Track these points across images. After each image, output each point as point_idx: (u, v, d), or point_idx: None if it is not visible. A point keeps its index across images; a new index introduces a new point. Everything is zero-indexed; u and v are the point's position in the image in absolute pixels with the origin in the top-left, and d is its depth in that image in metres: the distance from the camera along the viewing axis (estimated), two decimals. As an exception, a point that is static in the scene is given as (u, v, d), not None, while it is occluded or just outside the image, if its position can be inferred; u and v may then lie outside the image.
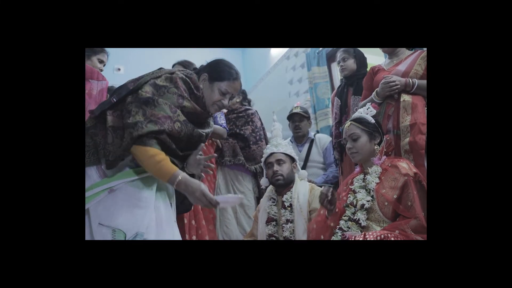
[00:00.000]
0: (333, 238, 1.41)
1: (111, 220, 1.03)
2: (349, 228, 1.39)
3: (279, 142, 1.92)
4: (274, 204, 1.86)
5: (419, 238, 1.19)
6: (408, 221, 1.25)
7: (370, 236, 1.16)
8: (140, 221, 1.05)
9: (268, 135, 2.51)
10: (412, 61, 1.72)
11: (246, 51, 5.11)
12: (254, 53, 4.84)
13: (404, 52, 1.83)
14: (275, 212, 1.83)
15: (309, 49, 3.44)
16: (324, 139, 2.60)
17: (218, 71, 1.25)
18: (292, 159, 1.90)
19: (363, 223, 1.37)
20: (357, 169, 1.56)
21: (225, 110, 2.45)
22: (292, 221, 1.75)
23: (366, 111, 1.54)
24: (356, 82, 2.18)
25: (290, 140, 2.64)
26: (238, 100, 2.53)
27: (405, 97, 1.63)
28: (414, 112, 1.59)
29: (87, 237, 1.03)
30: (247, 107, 2.56)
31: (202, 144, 1.25)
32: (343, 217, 1.44)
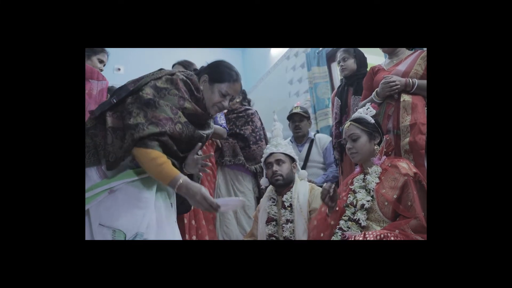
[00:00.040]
0: (333, 238, 1.41)
1: (112, 220, 1.03)
2: (349, 228, 1.39)
3: (279, 142, 1.92)
4: (274, 204, 1.86)
5: (419, 238, 1.19)
6: (408, 221, 1.25)
7: (370, 236, 1.16)
8: (140, 221, 1.05)
9: (268, 135, 2.51)
10: (412, 61, 1.72)
11: (246, 51, 5.11)
12: (254, 53, 4.84)
13: (404, 52, 1.83)
14: (275, 212, 1.83)
15: (309, 49, 3.44)
16: (324, 139, 2.60)
17: (219, 73, 1.25)
18: (292, 159, 1.90)
19: (363, 223, 1.37)
20: (357, 169, 1.56)
21: (225, 110, 2.45)
22: (292, 221, 1.75)
23: (366, 111, 1.54)
24: (356, 82, 2.18)
25: (290, 140, 2.64)
26: (238, 100, 2.53)
27: (405, 97, 1.63)
28: (414, 112, 1.59)
29: (87, 238, 1.03)
30: (247, 107, 2.56)
31: (200, 144, 1.25)
32: (343, 217, 1.44)
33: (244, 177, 2.40)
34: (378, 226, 1.34)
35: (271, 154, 1.88)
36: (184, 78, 1.19)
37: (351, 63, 2.25)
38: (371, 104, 1.61)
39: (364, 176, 1.46)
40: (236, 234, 2.25)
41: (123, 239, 1.02)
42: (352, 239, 1.19)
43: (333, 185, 1.43)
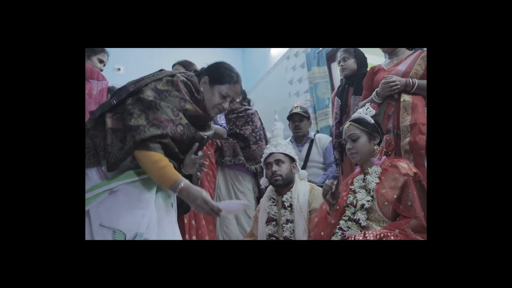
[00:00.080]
0: (333, 238, 1.41)
1: (112, 221, 1.03)
2: (349, 228, 1.39)
3: (279, 142, 1.92)
4: (274, 204, 1.86)
5: (419, 237, 1.19)
6: (408, 220, 1.25)
7: (370, 235, 1.16)
8: (140, 222, 1.05)
9: (268, 135, 2.51)
10: (412, 61, 1.72)
11: (246, 51, 5.11)
12: (254, 53, 4.84)
13: (404, 52, 1.83)
14: (275, 212, 1.83)
15: (309, 49, 3.44)
16: (324, 139, 2.60)
17: (219, 74, 1.25)
18: (292, 159, 1.90)
19: (363, 223, 1.37)
20: (357, 169, 1.56)
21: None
22: (292, 221, 1.75)
23: (366, 111, 1.54)
24: (357, 82, 2.18)
25: (290, 140, 2.64)
26: (238, 100, 2.53)
27: (405, 97, 1.63)
28: (414, 112, 1.59)
29: (87, 238, 1.03)
30: (247, 107, 2.56)
31: (197, 144, 1.24)
32: (343, 217, 1.44)
33: (244, 177, 2.40)
34: (378, 226, 1.34)
35: (270, 154, 1.88)
36: (185, 79, 1.19)
37: (352, 63, 2.25)
38: (370, 104, 1.61)
39: (364, 176, 1.46)
40: (236, 234, 2.25)
41: (123, 239, 1.02)
42: (352, 238, 1.19)
43: (335, 182, 1.43)
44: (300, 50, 3.67)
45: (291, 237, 1.73)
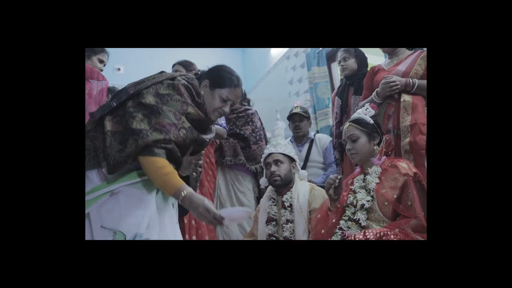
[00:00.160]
0: (333, 238, 1.41)
1: (114, 222, 1.03)
2: (349, 228, 1.39)
3: (278, 142, 1.92)
4: (274, 204, 1.86)
5: (419, 237, 1.19)
6: (408, 220, 1.25)
7: (370, 234, 1.16)
8: (140, 222, 1.05)
9: (268, 135, 2.51)
10: (412, 61, 1.72)
11: (246, 51, 5.11)
12: (254, 53, 4.84)
13: (404, 52, 1.83)
14: (275, 212, 1.83)
15: (309, 49, 3.44)
16: (324, 139, 2.60)
17: (219, 78, 1.24)
18: (291, 159, 1.90)
19: (363, 223, 1.37)
20: (358, 169, 1.56)
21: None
22: (292, 221, 1.75)
23: (365, 111, 1.54)
24: (357, 82, 2.18)
25: (290, 140, 2.64)
26: (238, 100, 2.53)
27: (405, 97, 1.63)
28: (414, 112, 1.59)
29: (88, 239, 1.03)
30: (247, 107, 2.56)
31: (192, 147, 1.23)
32: (343, 217, 1.44)
33: (244, 177, 2.40)
34: (378, 226, 1.34)
35: (269, 154, 1.88)
36: (186, 83, 1.18)
37: (352, 62, 2.25)
38: (370, 104, 1.61)
39: (364, 176, 1.46)
40: (236, 234, 2.25)
41: (123, 240, 1.02)
42: (352, 237, 1.19)
43: (340, 177, 1.43)
44: (300, 50, 3.66)
45: (291, 237, 1.73)
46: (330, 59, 3.30)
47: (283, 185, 1.84)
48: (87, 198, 1.04)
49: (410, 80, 1.64)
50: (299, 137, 2.64)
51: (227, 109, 1.25)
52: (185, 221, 1.99)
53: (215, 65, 1.31)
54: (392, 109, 1.69)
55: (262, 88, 4.49)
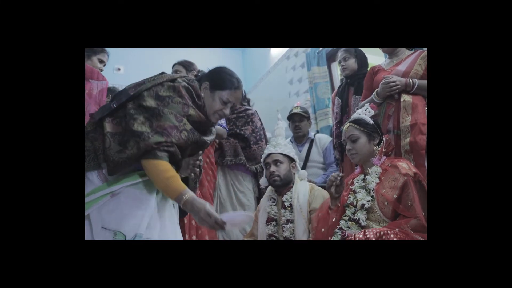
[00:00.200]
0: (333, 238, 1.41)
1: (114, 223, 1.03)
2: (349, 228, 1.39)
3: (278, 142, 1.92)
4: (274, 204, 1.86)
5: (419, 237, 1.19)
6: (408, 220, 1.25)
7: (370, 233, 1.16)
8: (140, 222, 1.05)
9: (268, 135, 2.51)
10: (412, 61, 1.72)
11: (246, 51, 5.11)
12: (254, 53, 4.84)
13: (404, 52, 1.83)
14: (275, 212, 1.83)
15: (309, 49, 3.44)
16: (324, 139, 2.60)
17: (220, 80, 1.24)
18: (291, 160, 1.90)
19: (363, 223, 1.37)
20: (358, 169, 1.57)
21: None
22: (292, 221, 1.75)
23: (365, 112, 1.54)
24: (357, 82, 2.18)
25: (290, 140, 2.64)
26: (237, 101, 2.53)
27: (405, 97, 1.63)
28: (414, 112, 1.59)
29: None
30: (247, 107, 2.56)
31: (189, 148, 1.22)
32: (343, 217, 1.44)
33: (244, 177, 2.40)
34: (378, 226, 1.34)
35: (269, 154, 1.88)
36: (186, 85, 1.18)
37: (352, 62, 2.25)
38: (370, 104, 1.61)
39: (364, 176, 1.47)
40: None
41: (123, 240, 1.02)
42: (352, 237, 1.19)
43: (341, 175, 1.43)
44: (300, 50, 3.67)
45: (291, 237, 1.73)
46: (330, 59, 3.30)
47: (283, 185, 1.84)
48: (87, 199, 1.04)
49: (410, 80, 1.64)
50: (299, 137, 2.64)
51: (227, 111, 1.25)
52: (185, 221, 1.99)
53: (215, 67, 1.31)
54: (392, 109, 1.69)
55: (262, 88, 4.49)
